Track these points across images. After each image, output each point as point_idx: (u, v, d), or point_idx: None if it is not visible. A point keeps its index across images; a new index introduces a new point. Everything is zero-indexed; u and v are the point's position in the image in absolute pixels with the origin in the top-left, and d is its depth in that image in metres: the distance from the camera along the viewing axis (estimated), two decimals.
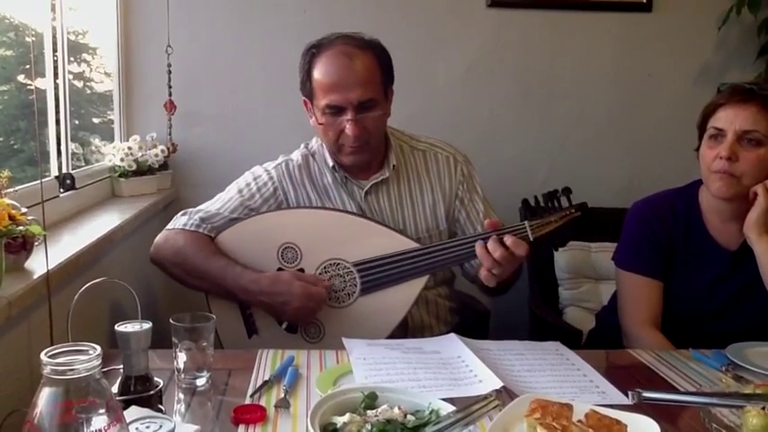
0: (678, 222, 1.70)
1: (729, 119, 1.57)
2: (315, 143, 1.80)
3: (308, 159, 1.77)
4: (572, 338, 1.95)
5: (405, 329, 1.69)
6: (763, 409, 1.02)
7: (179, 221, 1.69)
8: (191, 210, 1.71)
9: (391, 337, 1.59)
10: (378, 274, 1.59)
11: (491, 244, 1.45)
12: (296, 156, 1.78)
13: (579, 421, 0.99)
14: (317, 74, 1.62)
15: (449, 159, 1.78)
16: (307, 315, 1.57)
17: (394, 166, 1.73)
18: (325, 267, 1.61)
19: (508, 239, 1.44)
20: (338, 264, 1.60)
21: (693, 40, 2.75)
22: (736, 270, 1.65)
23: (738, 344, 1.45)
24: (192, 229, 1.65)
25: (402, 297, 1.60)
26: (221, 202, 1.72)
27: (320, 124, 1.64)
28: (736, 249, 1.65)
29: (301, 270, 1.61)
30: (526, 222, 1.50)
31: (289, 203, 1.72)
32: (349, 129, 1.59)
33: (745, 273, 1.62)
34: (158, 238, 1.69)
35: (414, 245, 1.61)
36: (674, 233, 1.69)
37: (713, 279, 1.67)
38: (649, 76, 2.76)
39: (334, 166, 1.71)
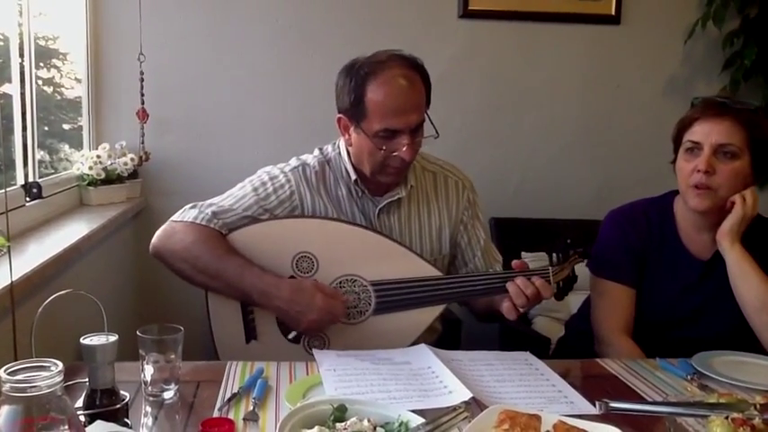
0: (652, 231, 1.72)
1: (705, 132, 1.60)
2: (331, 151, 1.75)
3: (324, 167, 1.72)
4: (541, 346, 1.97)
5: None
6: (727, 418, 1.03)
7: (188, 214, 1.62)
8: (200, 203, 1.64)
9: None
10: (394, 297, 1.57)
11: (522, 282, 1.50)
12: (312, 161, 1.73)
13: None
14: (375, 96, 1.56)
15: (458, 184, 1.78)
16: (319, 329, 1.55)
17: (412, 186, 1.71)
18: (340, 282, 1.58)
19: (537, 281, 1.51)
20: (355, 280, 1.58)
21: (660, 52, 2.80)
22: (707, 279, 1.68)
23: (704, 353, 1.47)
24: (204, 223, 1.59)
25: (415, 322, 1.58)
26: (234, 198, 1.65)
27: (371, 143, 1.58)
28: (707, 259, 1.69)
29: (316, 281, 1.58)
30: (550, 268, 1.56)
31: (303, 209, 1.67)
32: (406, 152, 1.57)
33: (716, 282, 1.65)
34: (163, 229, 1.63)
35: (436, 273, 1.60)
36: (647, 241, 1.72)
37: (684, 287, 1.69)
38: (618, 87, 2.81)
39: (356, 181, 1.68)
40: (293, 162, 1.73)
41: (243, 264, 1.55)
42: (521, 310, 1.52)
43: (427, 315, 1.59)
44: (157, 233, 1.63)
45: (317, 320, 1.51)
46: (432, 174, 1.78)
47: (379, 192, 1.70)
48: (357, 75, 1.59)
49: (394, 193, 1.69)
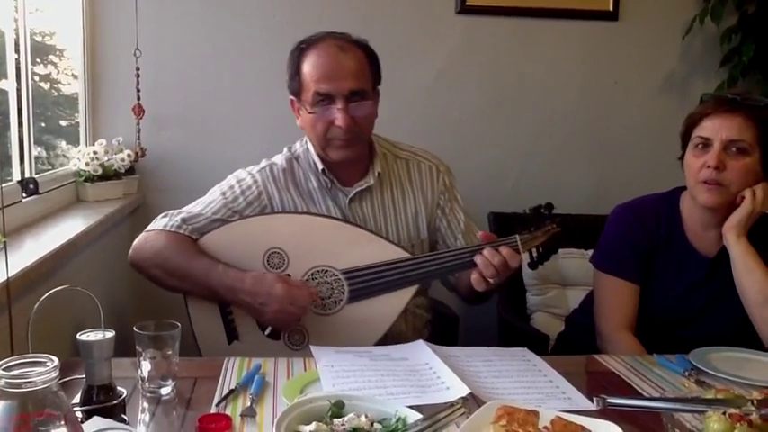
0: (660, 227, 1.71)
1: (716, 128, 1.59)
2: (299, 147, 1.77)
3: (292, 163, 1.74)
4: (539, 343, 1.97)
5: (383, 340, 1.67)
6: (724, 413, 1.03)
7: (159, 223, 1.65)
8: (171, 212, 1.67)
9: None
10: (367, 283, 1.57)
11: (489, 252, 1.49)
12: (279, 160, 1.75)
13: (545, 428, 1.00)
14: (307, 66, 1.62)
15: (431, 169, 1.78)
16: (287, 319, 1.53)
17: (379, 173, 1.71)
18: (312, 274, 1.58)
19: (504, 250, 1.50)
20: (326, 270, 1.58)
21: (658, 48, 2.80)
22: (713, 277, 1.67)
23: (701, 348, 1.47)
24: (173, 230, 1.62)
25: (390, 306, 1.58)
26: (203, 204, 1.68)
27: (310, 114, 1.61)
28: (713, 256, 1.68)
29: (287, 276, 1.58)
30: (517, 236, 1.55)
31: (273, 208, 1.69)
32: (339, 120, 1.57)
33: (721, 280, 1.65)
34: (137, 240, 1.65)
35: (405, 254, 1.60)
36: (656, 238, 1.71)
37: (690, 285, 1.69)
38: (615, 83, 2.80)
39: (323, 170, 1.69)
40: (262, 163, 1.76)
41: (209, 263, 1.56)
42: (490, 281, 1.50)
43: (402, 297, 1.59)
44: (133, 244, 1.65)
45: (279, 310, 1.50)
46: (404, 161, 1.78)
47: (349, 181, 1.71)
48: (296, 51, 1.66)
49: (362, 182, 1.70)
